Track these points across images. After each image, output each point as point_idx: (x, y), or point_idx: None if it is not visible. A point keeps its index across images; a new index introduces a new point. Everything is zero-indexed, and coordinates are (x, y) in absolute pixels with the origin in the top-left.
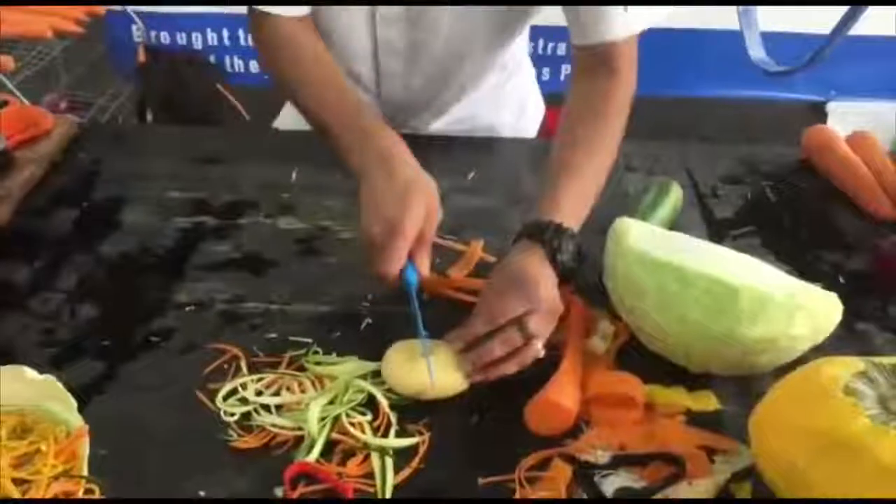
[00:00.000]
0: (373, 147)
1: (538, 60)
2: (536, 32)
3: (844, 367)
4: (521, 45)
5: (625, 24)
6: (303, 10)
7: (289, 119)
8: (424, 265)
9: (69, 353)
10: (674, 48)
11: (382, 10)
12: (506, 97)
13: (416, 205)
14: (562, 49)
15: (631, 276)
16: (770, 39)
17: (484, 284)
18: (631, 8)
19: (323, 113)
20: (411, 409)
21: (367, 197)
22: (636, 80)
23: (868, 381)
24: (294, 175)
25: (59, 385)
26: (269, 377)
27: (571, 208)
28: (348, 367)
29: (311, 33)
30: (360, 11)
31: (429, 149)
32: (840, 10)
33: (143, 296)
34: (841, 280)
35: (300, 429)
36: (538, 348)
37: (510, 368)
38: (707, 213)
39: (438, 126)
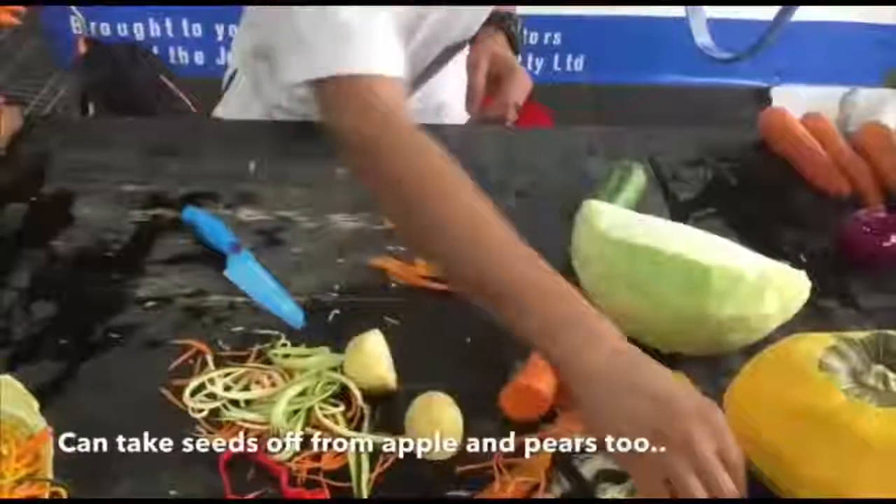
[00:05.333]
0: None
1: (528, 50)
2: (527, 23)
3: (816, 344)
4: None
5: None
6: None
7: (230, 108)
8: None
9: (25, 353)
10: (622, 37)
11: None
12: (455, 71)
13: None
14: (557, 39)
15: (602, 259)
16: (716, 25)
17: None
18: None
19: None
20: (385, 399)
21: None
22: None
23: (840, 356)
24: (252, 165)
25: (19, 386)
26: (237, 371)
27: None
28: (318, 360)
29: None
30: None
31: None
32: None
33: (100, 292)
34: (803, 259)
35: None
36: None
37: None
38: (669, 195)
39: None
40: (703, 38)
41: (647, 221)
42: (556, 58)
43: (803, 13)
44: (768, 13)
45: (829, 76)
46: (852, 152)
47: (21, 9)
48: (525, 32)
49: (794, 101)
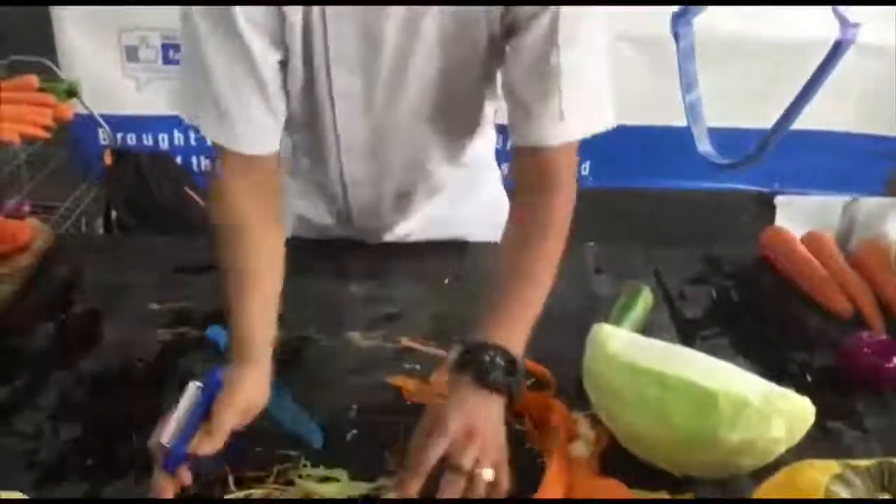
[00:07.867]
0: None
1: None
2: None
3: (823, 472)
4: (484, 145)
5: (563, 132)
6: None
7: None
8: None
9: (53, 475)
10: (627, 144)
11: (340, 106)
12: (474, 201)
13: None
14: None
15: (611, 382)
16: (719, 134)
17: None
18: (568, 117)
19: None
20: None
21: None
22: (575, 192)
23: (846, 484)
24: None
25: None
26: (257, 492)
27: (502, 332)
28: (338, 488)
29: (275, 206)
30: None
31: (401, 255)
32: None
33: (126, 412)
34: (808, 378)
35: None
36: (486, 478)
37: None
38: (676, 314)
39: (411, 227)
40: (704, 145)
41: (654, 345)
42: None
43: (804, 122)
44: (766, 122)
45: (830, 184)
46: (852, 271)
47: (52, 124)
48: None
49: (797, 209)
